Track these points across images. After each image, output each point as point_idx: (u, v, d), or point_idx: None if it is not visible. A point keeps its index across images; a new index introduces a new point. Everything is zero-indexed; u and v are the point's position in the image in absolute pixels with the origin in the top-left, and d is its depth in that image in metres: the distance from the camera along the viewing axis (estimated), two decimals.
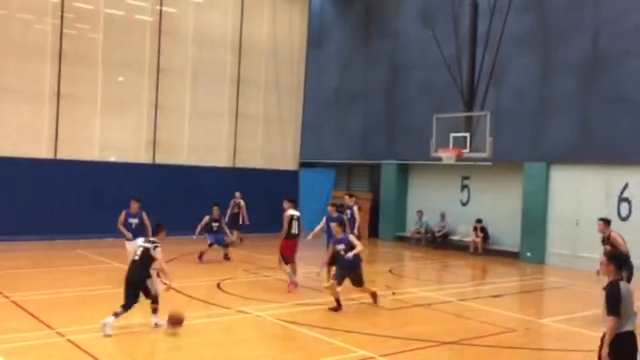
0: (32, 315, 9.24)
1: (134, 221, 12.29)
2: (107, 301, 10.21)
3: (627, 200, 16.33)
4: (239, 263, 15.41)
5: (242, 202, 18.77)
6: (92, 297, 10.60)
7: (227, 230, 16.19)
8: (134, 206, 12.39)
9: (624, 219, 16.24)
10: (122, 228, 12.26)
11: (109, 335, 8.04)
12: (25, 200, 17.60)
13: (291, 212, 12.80)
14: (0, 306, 9.85)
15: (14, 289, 10.83)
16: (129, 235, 12.11)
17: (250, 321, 9.69)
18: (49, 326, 8.62)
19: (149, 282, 8.77)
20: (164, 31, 20.26)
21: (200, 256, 15.19)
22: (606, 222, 11.54)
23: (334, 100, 25.10)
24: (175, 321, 8.54)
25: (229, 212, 18.50)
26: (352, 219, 13.73)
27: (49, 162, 18.25)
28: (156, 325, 8.71)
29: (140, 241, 9.36)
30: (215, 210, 15.74)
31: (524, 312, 11.33)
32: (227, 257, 15.77)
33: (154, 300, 8.78)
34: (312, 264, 14.94)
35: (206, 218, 15.53)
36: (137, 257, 8.79)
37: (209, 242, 15.38)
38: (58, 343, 7.94)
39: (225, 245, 15.80)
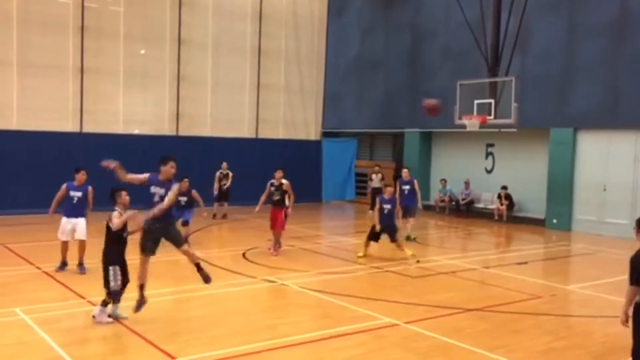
0: (64, 285, 9.49)
1: (76, 195, 10.45)
2: (135, 271, 10.43)
3: None
4: (264, 233, 15.54)
5: (230, 173, 18.55)
6: None
7: (201, 203, 13.91)
8: (82, 178, 10.58)
9: None
10: (54, 202, 10.52)
11: (111, 321, 7.55)
12: (52, 173, 17.85)
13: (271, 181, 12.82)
14: (34, 277, 10.13)
15: (45, 260, 11.11)
16: (52, 211, 10.54)
17: (276, 290, 9.81)
18: (80, 296, 8.85)
19: (111, 270, 7.64)
20: (184, 2, 20.20)
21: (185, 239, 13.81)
22: None
23: (355, 69, 24.86)
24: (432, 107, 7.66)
25: (216, 184, 18.32)
26: (414, 190, 14.82)
27: (75, 135, 18.50)
28: (93, 317, 7.60)
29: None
30: (184, 183, 13.44)
31: (550, 279, 11.28)
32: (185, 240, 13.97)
33: (108, 294, 7.62)
34: (336, 233, 15.01)
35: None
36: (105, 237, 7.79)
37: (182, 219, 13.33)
38: (91, 312, 8.13)
39: (185, 223, 13.38)
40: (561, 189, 17.88)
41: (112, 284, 7.65)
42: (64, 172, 17.88)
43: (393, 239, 12.36)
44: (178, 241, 7.88)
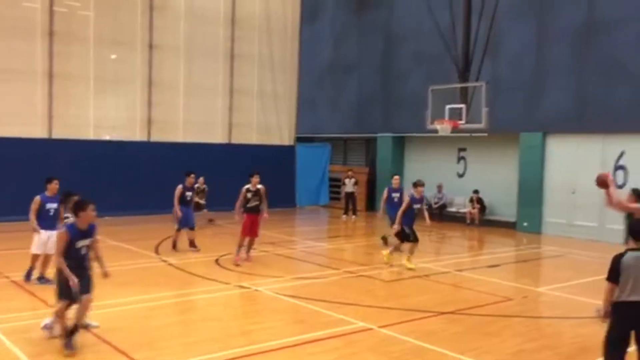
0: (32, 294, 9.30)
1: (52, 206, 9.78)
2: (106, 279, 10.28)
3: (622, 168, 16.37)
4: (236, 238, 15.45)
5: (207, 189, 17.89)
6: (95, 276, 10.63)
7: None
8: (55, 187, 9.90)
9: (620, 187, 16.29)
10: (33, 217, 9.67)
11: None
12: (21, 180, 17.54)
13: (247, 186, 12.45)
14: (1, 286, 9.89)
15: (13, 269, 10.87)
16: (38, 228, 9.68)
17: (249, 296, 9.77)
18: (49, 305, 8.67)
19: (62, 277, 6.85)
20: (156, 6, 20.02)
21: (174, 245, 13.34)
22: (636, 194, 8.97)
23: (329, 74, 24.95)
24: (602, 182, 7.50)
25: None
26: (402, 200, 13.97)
27: (44, 141, 18.18)
28: (45, 327, 7.22)
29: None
30: (190, 178, 13.67)
31: (521, 281, 11.43)
32: (192, 245, 13.45)
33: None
34: (310, 238, 15.01)
35: (179, 187, 13.47)
36: None
37: (176, 226, 13.36)
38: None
39: (191, 228, 13.43)
40: (531, 193, 18.17)
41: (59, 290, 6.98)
42: (32, 179, 17.60)
43: (415, 239, 12.20)
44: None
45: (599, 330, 8.45)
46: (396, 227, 12.10)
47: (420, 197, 12.36)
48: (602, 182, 7.29)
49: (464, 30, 17.08)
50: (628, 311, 5.51)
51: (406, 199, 12.38)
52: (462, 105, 16.00)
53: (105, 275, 7.26)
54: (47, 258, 9.90)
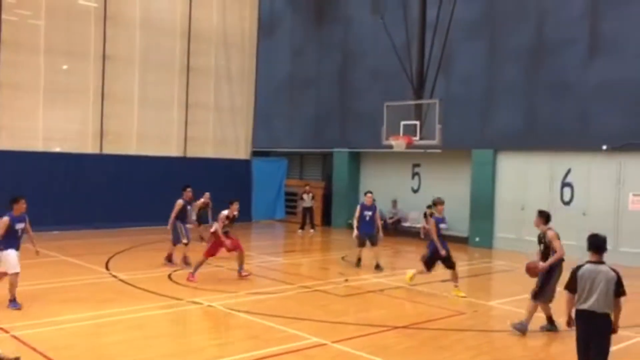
0: None
1: (20, 227, 9.49)
2: (54, 296, 9.98)
3: (569, 185, 16.91)
4: (190, 254, 15.23)
5: (210, 204, 16.99)
6: (38, 292, 10.30)
7: (194, 221, 14.16)
8: (22, 207, 9.52)
9: (566, 203, 16.84)
10: (3, 239, 9.25)
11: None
12: None
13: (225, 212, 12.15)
14: None
15: None
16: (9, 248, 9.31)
17: (202, 311, 9.62)
18: None
19: None
20: (110, 17, 19.68)
21: (170, 258, 13.32)
22: (542, 215, 9.11)
23: (286, 88, 25.01)
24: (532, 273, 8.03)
25: (194, 214, 16.68)
26: (375, 217, 14.01)
27: None
28: None
29: None
30: (188, 192, 13.70)
31: (473, 295, 11.61)
32: (185, 261, 13.30)
33: None
34: (265, 252, 14.91)
35: (179, 202, 13.41)
36: None
37: (184, 240, 13.22)
38: (2, 339, 7.69)
39: (186, 244, 13.41)
40: (483, 208, 18.55)
41: None
42: None
43: (451, 266, 11.36)
44: None
45: (548, 343, 8.69)
46: (442, 252, 11.24)
47: (442, 217, 11.62)
48: (532, 273, 8.04)
49: (418, 48, 17.42)
50: (581, 318, 6.01)
51: (431, 223, 11.50)
52: (417, 122, 16.26)
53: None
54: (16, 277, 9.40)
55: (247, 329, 8.70)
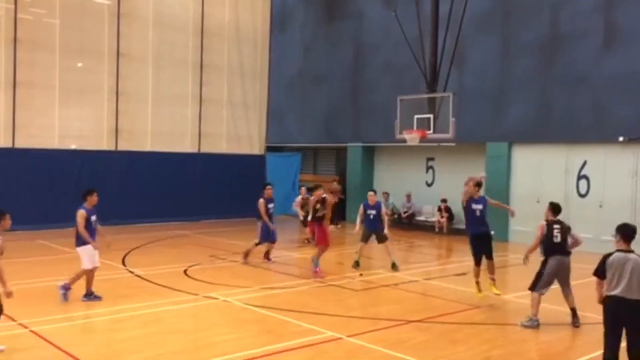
0: None
1: (94, 219, 9.83)
2: (72, 291, 10.09)
3: (585, 177, 16.76)
4: (206, 249, 15.35)
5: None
6: (55, 288, 10.42)
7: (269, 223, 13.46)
8: (95, 199, 9.86)
9: (582, 196, 16.69)
10: (85, 232, 9.57)
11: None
12: None
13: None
14: None
15: None
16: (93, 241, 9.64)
17: (218, 306, 9.68)
18: (11, 318, 8.46)
19: None
20: (123, 14, 19.82)
21: (246, 256, 13.39)
22: (550, 208, 9.69)
23: (298, 83, 25.00)
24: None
25: (301, 210, 17.31)
26: (380, 216, 13.42)
27: (7, 151, 17.79)
28: None
29: None
30: (268, 190, 13.65)
31: (488, 289, 11.55)
32: (267, 257, 13.67)
33: None
34: (279, 248, 14.95)
35: (261, 201, 13.39)
36: None
37: (256, 240, 13.33)
38: (21, 335, 7.83)
39: (273, 242, 13.60)
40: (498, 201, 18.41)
41: None
42: None
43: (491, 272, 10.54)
44: None
45: (563, 337, 8.65)
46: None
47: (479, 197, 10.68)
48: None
49: (431, 41, 17.33)
50: (610, 304, 6.21)
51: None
52: (430, 115, 16.20)
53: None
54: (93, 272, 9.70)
55: (262, 324, 8.75)
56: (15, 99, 17.86)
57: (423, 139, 16.32)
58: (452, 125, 15.48)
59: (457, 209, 19.74)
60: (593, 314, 9.65)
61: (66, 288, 9.54)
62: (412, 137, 16.31)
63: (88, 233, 9.52)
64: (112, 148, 19.81)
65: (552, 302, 10.27)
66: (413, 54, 17.31)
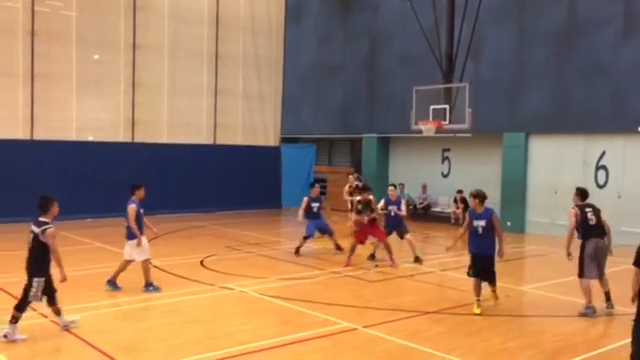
0: (14, 297, 9.18)
1: (142, 211, 9.97)
2: (91, 282, 10.23)
3: (604, 168, 16.58)
4: (221, 240, 15.44)
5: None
6: (74, 278, 10.53)
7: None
8: (142, 193, 10.05)
9: (601, 187, 16.52)
10: (136, 226, 9.73)
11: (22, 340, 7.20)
12: (2, 182, 17.39)
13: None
14: None
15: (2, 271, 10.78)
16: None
17: (234, 297, 9.75)
18: (32, 308, 8.59)
19: (35, 281, 7.30)
20: (139, 6, 19.90)
21: (297, 251, 13.46)
22: (577, 193, 9.52)
23: (313, 75, 24.96)
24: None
25: (350, 197, 16.51)
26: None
27: (26, 143, 18.00)
28: (5, 337, 7.14)
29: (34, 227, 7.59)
30: (315, 189, 13.81)
31: (504, 280, 11.48)
32: (338, 248, 13.77)
33: (21, 307, 7.27)
34: (296, 239, 15.00)
35: (305, 199, 13.65)
36: (29, 246, 7.46)
37: (305, 234, 13.42)
38: (42, 324, 7.95)
39: (331, 233, 13.87)
40: (514, 192, 18.32)
41: (32, 293, 7.26)
42: (14, 181, 17.57)
43: (491, 280, 9.32)
44: None
45: (581, 329, 8.60)
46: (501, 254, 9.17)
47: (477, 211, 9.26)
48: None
49: (447, 31, 17.20)
50: None
51: (467, 219, 9.38)
52: (446, 106, 16.11)
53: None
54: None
55: (278, 314, 8.80)
56: (33, 92, 18.04)
57: (439, 129, 16.24)
58: (468, 115, 15.39)
59: None
60: None
61: (148, 285, 9.78)
62: (428, 128, 16.24)
63: (137, 226, 9.70)
64: (129, 140, 19.97)
65: (569, 294, 10.22)
66: (429, 44, 17.20)
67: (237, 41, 22.50)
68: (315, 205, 13.61)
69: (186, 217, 18.18)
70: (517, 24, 18.29)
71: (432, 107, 16.22)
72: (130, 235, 9.79)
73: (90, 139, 19.31)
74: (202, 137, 21.78)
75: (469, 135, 18.42)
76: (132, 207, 9.72)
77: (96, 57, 19.36)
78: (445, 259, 14.22)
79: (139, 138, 20.13)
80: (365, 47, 22.94)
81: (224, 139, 22.25)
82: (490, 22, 18.36)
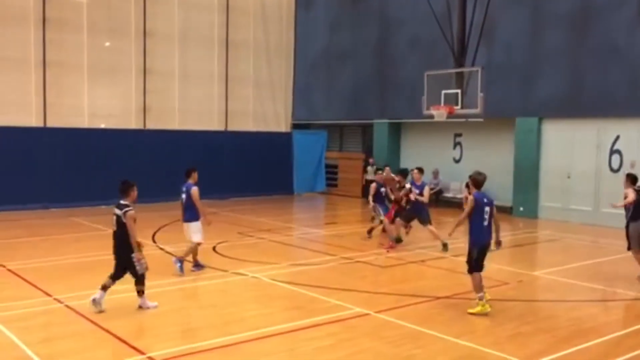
0: (30, 283, 9.32)
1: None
2: (104, 267, 10.29)
3: (618, 152, 16.41)
4: (233, 226, 15.50)
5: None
6: (88, 264, 10.68)
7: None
8: (196, 176, 10.50)
9: (615, 171, 16.37)
10: (202, 207, 10.27)
11: (101, 312, 7.72)
12: (16, 169, 17.54)
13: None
14: None
15: (10, 258, 10.90)
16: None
17: (247, 283, 9.80)
18: (47, 293, 8.71)
19: (134, 257, 7.80)
20: None
21: (370, 231, 13.95)
22: (628, 178, 10.51)
23: (324, 61, 24.85)
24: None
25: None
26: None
27: (39, 130, 18.12)
28: (140, 307, 8.00)
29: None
30: (380, 175, 14.06)
31: (517, 266, 11.49)
32: (369, 232, 14.02)
33: (139, 280, 7.95)
34: (307, 225, 15.05)
35: (373, 185, 13.82)
36: (114, 228, 7.97)
37: (380, 217, 13.46)
38: (57, 309, 8.05)
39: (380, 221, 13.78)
40: (527, 177, 18.20)
41: (138, 268, 7.85)
42: (27, 168, 17.72)
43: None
44: None
45: (594, 313, 8.56)
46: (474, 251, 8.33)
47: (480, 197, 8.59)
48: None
49: (459, 15, 17.02)
50: None
51: (470, 200, 8.51)
52: (458, 91, 15.97)
53: None
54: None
55: (290, 300, 8.84)
56: (45, 79, 18.12)
57: (450, 114, 16.13)
58: (481, 100, 15.26)
59: (486, 185, 19.58)
60: (623, 290, 9.56)
61: (181, 261, 10.13)
62: (439, 113, 16.14)
63: (196, 210, 10.16)
64: (141, 127, 20.04)
65: (582, 278, 10.18)
66: (440, 28, 17.03)
67: (248, 28, 22.43)
68: (383, 190, 13.78)
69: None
70: (531, 6, 18.04)
71: (443, 91, 16.09)
72: (194, 217, 10.16)
73: (103, 126, 19.40)
74: (214, 124, 21.81)
75: (481, 120, 18.27)
76: (196, 189, 10.15)
77: (107, 44, 19.39)
78: (457, 244, 14.17)
79: (151, 125, 20.19)
80: (375, 32, 22.77)
81: (236, 125, 22.27)
82: (503, 5, 18.14)
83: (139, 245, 7.88)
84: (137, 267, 7.84)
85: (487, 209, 8.43)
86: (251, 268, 10.56)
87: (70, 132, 18.48)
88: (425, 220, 12.87)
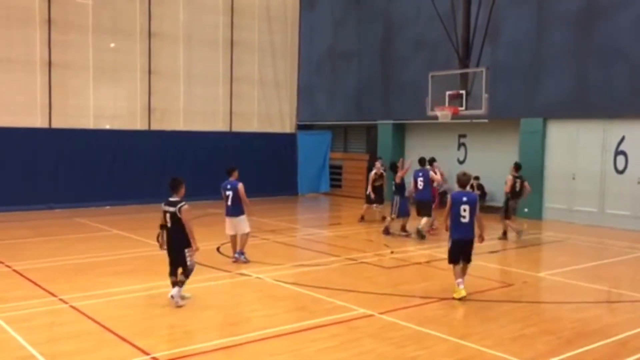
0: (34, 283, 9.34)
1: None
2: (109, 268, 10.36)
3: (623, 153, 16.36)
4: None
5: (384, 173, 16.88)
6: (93, 264, 10.70)
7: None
8: (237, 174, 11.26)
9: (620, 172, 16.32)
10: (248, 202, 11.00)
11: (180, 306, 8.10)
12: (22, 170, 17.61)
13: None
14: (3, 275, 9.95)
15: (15, 259, 10.93)
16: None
17: (251, 283, 9.80)
18: (52, 293, 8.73)
19: (187, 251, 8.23)
20: None
21: (386, 229, 14.44)
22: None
23: (328, 61, 24.86)
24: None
25: (370, 186, 16.68)
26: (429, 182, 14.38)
27: (44, 131, 18.17)
28: (172, 297, 8.18)
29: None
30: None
31: (521, 267, 11.47)
32: (404, 230, 14.48)
33: (185, 274, 8.31)
34: (311, 225, 15.05)
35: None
36: (169, 224, 8.31)
37: (393, 215, 14.27)
38: (62, 309, 8.06)
39: (407, 216, 14.67)
40: (532, 178, 18.05)
41: (189, 263, 8.25)
42: (32, 168, 17.79)
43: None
44: None
45: (599, 315, 8.53)
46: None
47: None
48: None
49: (463, 15, 17.00)
50: None
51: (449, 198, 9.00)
52: (462, 91, 15.95)
53: None
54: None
55: (294, 300, 8.84)
56: (50, 80, 18.18)
57: (455, 115, 16.11)
58: (485, 101, 15.23)
59: (490, 186, 19.58)
60: (629, 292, 9.53)
61: (242, 253, 10.95)
62: (444, 114, 16.12)
63: (241, 204, 10.89)
64: (146, 128, 20.08)
65: (586, 280, 10.15)
66: (445, 28, 17.01)
67: (252, 28, 22.45)
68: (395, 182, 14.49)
69: (202, 204, 18.22)
70: (535, 7, 18.00)
71: (448, 92, 16.08)
72: (240, 211, 10.89)
73: (108, 127, 19.45)
74: (218, 125, 21.84)
75: (486, 121, 18.25)
76: (242, 185, 10.97)
77: (112, 45, 19.44)
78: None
79: (156, 126, 20.24)
80: (380, 32, 22.77)
81: (240, 126, 22.29)
82: (507, 6, 18.10)
83: (193, 237, 8.24)
84: (189, 262, 8.23)
85: (464, 207, 8.95)
86: (255, 269, 10.56)
87: (75, 133, 18.53)
88: (423, 214, 13.69)
